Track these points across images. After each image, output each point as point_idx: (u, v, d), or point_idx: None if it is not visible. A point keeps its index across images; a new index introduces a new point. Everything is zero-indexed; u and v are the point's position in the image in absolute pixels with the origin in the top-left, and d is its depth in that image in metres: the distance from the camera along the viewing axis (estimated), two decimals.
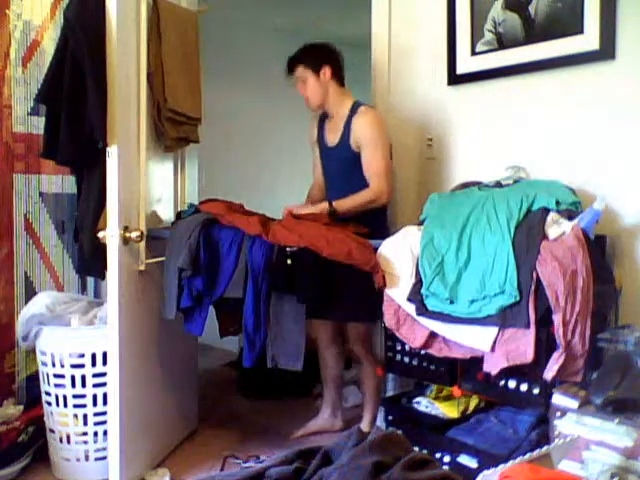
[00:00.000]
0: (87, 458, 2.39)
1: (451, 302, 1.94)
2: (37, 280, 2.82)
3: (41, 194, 2.82)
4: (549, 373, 1.79)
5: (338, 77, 2.60)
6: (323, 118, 2.72)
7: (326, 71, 2.56)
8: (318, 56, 2.58)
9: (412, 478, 1.27)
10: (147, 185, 2.40)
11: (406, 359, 2.28)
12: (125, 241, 2.22)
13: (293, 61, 2.58)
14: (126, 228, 2.22)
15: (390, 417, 2.41)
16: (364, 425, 2.59)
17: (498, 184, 2.30)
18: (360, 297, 2.23)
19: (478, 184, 2.35)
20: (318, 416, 2.89)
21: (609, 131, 2.22)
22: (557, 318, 1.76)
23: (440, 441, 2.16)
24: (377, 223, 2.52)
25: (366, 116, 2.53)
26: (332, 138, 2.63)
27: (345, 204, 2.46)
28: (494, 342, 1.87)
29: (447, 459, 2.11)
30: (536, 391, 1.96)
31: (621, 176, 2.19)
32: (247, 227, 2.21)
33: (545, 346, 1.83)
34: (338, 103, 2.60)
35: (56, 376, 2.37)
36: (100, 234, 2.21)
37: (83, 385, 2.36)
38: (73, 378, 2.36)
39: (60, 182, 2.89)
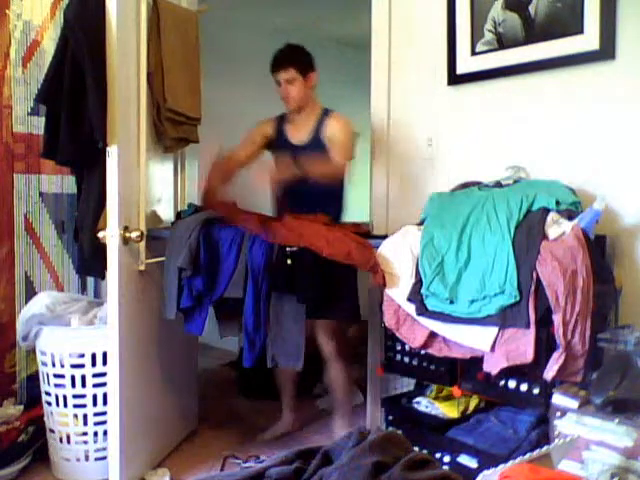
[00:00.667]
0: (87, 458, 2.40)
1: (451, 302, 1.93)
2: (37, 280, 2.82)
3: (41, 194, 2.82)
4: (549, 373, 1.79)
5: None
6: (281, 119, 2.78)
7: (313, 77, 2.68)
8: (309, 62, 2.69)
9: (412, 478, 1.27)
10: (147, 185, 2.41)
11: (406, 359, 2.27)
12: (125, 241, 2.22)
13: (287, 62, 2.64)
14: (126, 228, 2.22)
15: (390, 417, 2.41)
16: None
17: (498, 184, 2.30)
18: (356, 297, 2.24)
19: (478, 184, 2.34)
20: (281, 420, 2.90)
21: (609, 131, 2.22)
22: (557, 318, 1.76)
23: (440, 441, 2.16)
24: (337, 208, 2.68)
25: (341, 120, 2.68)
26: (299, 137, 2.71)
27: (315, 167, 2.46)
28: (494, 342, 1.87)
29: (447, 459, 2.10)
30: (536, 391, 1.96)
31: (621, 176, 2.18)
32: (247, 226, 2.21)
33: (545, 346, 1.83)
34: (311, 106, 2.72)
35: (56, 376, 2.38)
36: (100, 234, 2.22)
37: (83, 385, 2.36)
38: (73, 378, 2.36)
39: (60, 182, 2.89)
